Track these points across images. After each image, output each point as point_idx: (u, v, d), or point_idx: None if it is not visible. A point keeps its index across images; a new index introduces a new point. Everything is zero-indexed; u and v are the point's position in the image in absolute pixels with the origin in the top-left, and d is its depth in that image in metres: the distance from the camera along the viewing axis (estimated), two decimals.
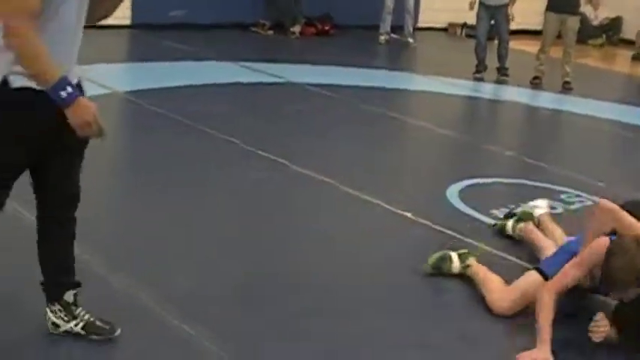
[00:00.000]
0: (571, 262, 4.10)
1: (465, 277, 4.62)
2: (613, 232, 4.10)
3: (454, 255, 4.70)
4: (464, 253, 4.72)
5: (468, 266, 4.63)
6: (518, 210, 5.49)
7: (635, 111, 10.84)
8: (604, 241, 3.99)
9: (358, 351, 3.84)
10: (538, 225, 5.26)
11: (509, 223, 5.37)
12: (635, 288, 3.81)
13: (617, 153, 8.83)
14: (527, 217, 5.33)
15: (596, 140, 9.03)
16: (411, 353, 3.89)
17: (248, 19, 12.61)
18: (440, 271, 4.67)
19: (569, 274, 4.07)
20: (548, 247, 4.81)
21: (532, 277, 4.36)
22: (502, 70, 11.36)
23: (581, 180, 6.90)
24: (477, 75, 11.20)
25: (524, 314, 4.23)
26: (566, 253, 4.33)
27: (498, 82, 11.22)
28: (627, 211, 4.35)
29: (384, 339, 3.95)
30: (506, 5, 11.08)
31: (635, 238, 3.91)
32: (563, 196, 6.41)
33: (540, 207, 5.45)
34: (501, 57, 11.35)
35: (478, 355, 3.98)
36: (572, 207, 6.23)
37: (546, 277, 4.23)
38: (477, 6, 11.11)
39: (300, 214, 5.56)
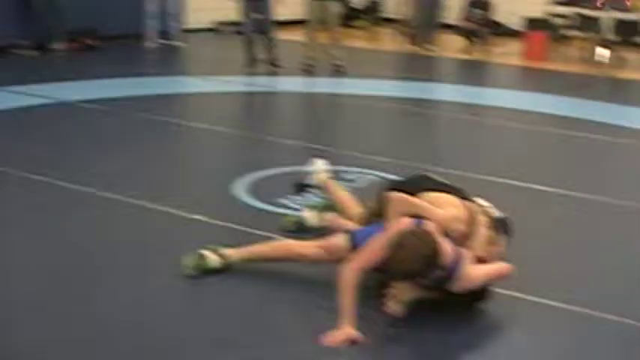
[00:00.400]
0: (377, 243, 4.11)
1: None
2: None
3: (207, 252, 4.67)
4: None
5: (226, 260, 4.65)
6: (315, 202, 5.49)
7: (406, 85, 11.29)
8: (407, 222, 4.09)
9: None
10: (324, 188, 5.40)
11: (312, 214, 5.31)
12: (429, 271, 3.91)
13: (395, 127, 9.14)
14: (328, 208, 5.31)
15: (373, 118, 9.29)
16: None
17: (6, 41, 12.02)
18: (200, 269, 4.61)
19: (374, 254, 4.09)
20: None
21: (341, 237, 4.46)
22: (272, 62, 11.47)
23: (363, 158, 7.08)
24: (249, 70, 11.25)
25: (323, 297, 4.26)
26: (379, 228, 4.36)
27: (270, 74, 11.34)
28: (408, 187, 4.50)
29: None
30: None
31: (410, 231, 3.98)
32: (347, 176, 6.55)
33: (319, 171, 5.54)
34: (270, 49, 11.46)
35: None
36: (356, 185, 6.36)
37: (354, 246, 4.31)
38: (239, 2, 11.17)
39: (84, 231, 5.29)
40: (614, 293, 4.66)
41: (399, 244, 3.87)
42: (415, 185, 4.56)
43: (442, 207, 4.27)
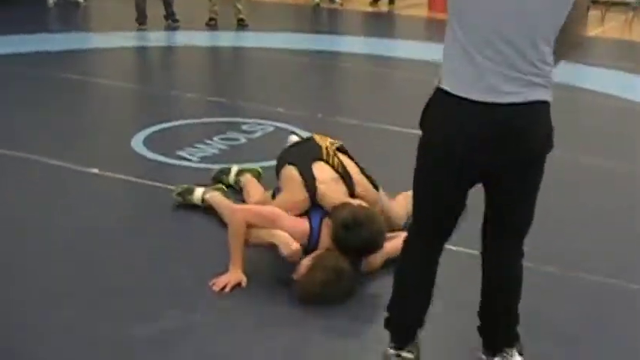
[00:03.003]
0: (270, 209, 4.12)
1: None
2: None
3: (198, 189, 4.87)
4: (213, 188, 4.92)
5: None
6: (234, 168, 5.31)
7: (310, 38, 11.34)
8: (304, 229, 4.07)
9: None
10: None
11: (231, 176, 5.21)
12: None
13: (297, 80, 9.19)
14: (249, 171, 5.24)
15: (276, 70, 9.32)
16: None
17: None
18: (183, 200, 4.86)
19: (263, 217, 4.05)
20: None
21: (268, 195, 4.58)
22: (171, 17, 11.37)
23: (264, 109, 7.13)
24: (141, 27, 11.08)
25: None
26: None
27: (171, 28, 11.25)
28: (282, 153, 4.57)
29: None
30: None
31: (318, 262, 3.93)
32: (244, 127, 6.60)
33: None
34: (167, 3, 11.34)
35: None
36: (255, 135, 6.42)
37: None
38: None
39: None
40: None
41: (312, 267, 3.88)
42: (303, 156, 4.43)
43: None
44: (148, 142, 6.14)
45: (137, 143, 6.11)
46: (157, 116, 6.84)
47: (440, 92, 2.94)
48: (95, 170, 5.51)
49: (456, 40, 2.87)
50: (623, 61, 10.73)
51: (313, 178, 4.20)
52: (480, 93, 2.84)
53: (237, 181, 5.14)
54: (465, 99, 2.86)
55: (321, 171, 4.28)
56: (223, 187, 5.04)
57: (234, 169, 5.23)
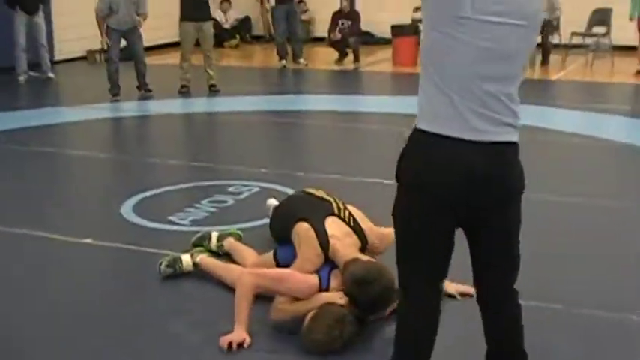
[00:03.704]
0: (283, 275, 4.22)
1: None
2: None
3: (185, 255, 4.90)
4: (194, 252, 4.97)
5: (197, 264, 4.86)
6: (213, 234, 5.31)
7: (279, 99, 11.57)
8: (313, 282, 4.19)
9: None
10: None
11: (213, 242, 5.22)
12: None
13: (272, 139, 9.35)
14: (229, 234, 5.27)
15: (251, 132, 9.46)
16: None
17: None
18: (174, 270, 4.84)
19: (274, 282, 4.18)
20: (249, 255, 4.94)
21: (269, 255, 4.67)
22: (144, 87, 11.51)
23: (246, 171, 7.26)
24: (114, 98, 11.18)
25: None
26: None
27: (144, 98, 11.36)
28: (285, 209, 4.70)
29: None
30: (136, 27, 11.21)
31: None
32: (231, 189, 6.72)
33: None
34: (141, 74, 11.47)
35: None
36: (241, 197, 6.54)
37: (277, 262, 4.53)
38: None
39: None
40: None
41: (313, 317, 3.98)
42: (315, 212, 4.54)
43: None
44: (137, 209, 6.23)
45: (127, 211, 6.19)
46: (143, 184, 6.93)
47: (419, 133, 3.01)
48: (89, 240, 5.58)
49: (433, 83, 2.97)
50: (588, 102, 11.04)
51: (326, 234, 4.32)
52: (461, 132, 2.94)
53: (219, 247, 5.17)
54: (448, 137, 2.94)
55: (334, 226, 4.40)
56: (200, 248, 5.12)
57: (215, 234, 5.26)
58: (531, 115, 9.84)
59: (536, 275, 4.55)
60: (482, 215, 3.09)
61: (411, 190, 3.06)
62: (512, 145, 3.04)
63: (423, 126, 3.00)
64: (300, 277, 4.19)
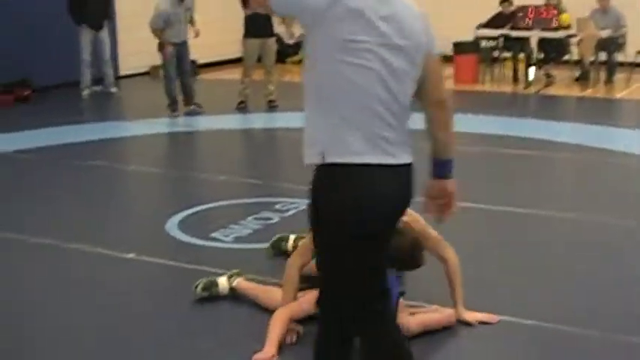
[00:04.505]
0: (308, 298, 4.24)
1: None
2: None
3: (221, 278, 4.87)
4: (232, 275, 4.91)
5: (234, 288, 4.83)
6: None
7: None
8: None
9: None
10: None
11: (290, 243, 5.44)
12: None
13: None
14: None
15: (301, 149, 9.41)
16: None
17: None
18: (210, 294, 4.81)
19: (303, 307, 4.27)
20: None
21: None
22: (192, 101, 11.52)
23: (294, 188, 7.21)
24: (173, 114, 11.26)
25: None
26: None
27: (194, 113, 11.35)
28: None
29: None
30: (186, 41, 11.30)
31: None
32: (277, 206, 6.70)
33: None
34: (189, 88, 11.51)
35: None
36: (287, 214, 6.52)
37: None
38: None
39: (29, 283, 5.33)
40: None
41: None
42: None
43: None
44: (182, 225, 6.26)
45: (172, 227, 6.22)
46: (191, 200, 6.97)
47: (330, 166, 3.02)
48: (132, 255, 5.62)
49: (331, 113, 3.00)
50: None
51: None
52: (372, 156, 2.97)
53: (295, 247, 5.13)
54: (359, 164, 2.96)
55: None
56: (238, 271, 4.98)
57: (292, 236, 5.42)
58: (594, 135, 9.69)
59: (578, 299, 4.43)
60: (385, 234, 3.17)
61: (338, 223, 3.03)
62: (411, 166, 3.12)
63: (334, 158, 3.00)
64: None
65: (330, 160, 3.00)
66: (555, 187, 7.68)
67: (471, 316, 4.48)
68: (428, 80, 3.09)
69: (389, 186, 3.01)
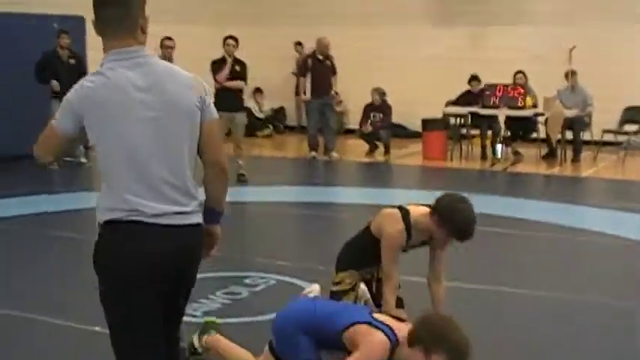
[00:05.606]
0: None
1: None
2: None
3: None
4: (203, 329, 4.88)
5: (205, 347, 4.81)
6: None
7: (308, 190, 11.55)
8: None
9: None
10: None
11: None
12: None
13: (297, 232, 9.31)
14: (211, 327, 5.07)
15: (274, 223, 9.44)
16: None
17: None
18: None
19: None
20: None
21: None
22: None
23: (265, 262, 7.21)
24: None
25: None
26: None
27: None
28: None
29: None
30: None
31: None
32: (247, 280, 6.67)
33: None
34: None
35: None
36: (257, 289, 6.48)
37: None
38: None
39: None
40: None
41: None
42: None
43: None
44: None
45: None
46: None
47: (111, 225, 3.11)
48: (97, 328, 5.53)
49: (112, 173, 3.12)
50: (618, 200, 10.89)
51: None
52: (151, 218, 3.09)
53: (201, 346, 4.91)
54: (141, 222, 3.07)
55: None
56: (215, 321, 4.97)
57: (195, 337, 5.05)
58: (562, 213, 9.78)
59: None
60: (176, 295, 3.36)
61: (119, 283, 3.21)
62: (201, 227, 3.33)
63: (112, 216, 3.12)
64: (373, 344, 3.98)
65: (107, 218, 3.20)
66: (526, 265, 7.69)
67: None
68: (205, 144, 3.31)
69: (163, 244, 3.19)
